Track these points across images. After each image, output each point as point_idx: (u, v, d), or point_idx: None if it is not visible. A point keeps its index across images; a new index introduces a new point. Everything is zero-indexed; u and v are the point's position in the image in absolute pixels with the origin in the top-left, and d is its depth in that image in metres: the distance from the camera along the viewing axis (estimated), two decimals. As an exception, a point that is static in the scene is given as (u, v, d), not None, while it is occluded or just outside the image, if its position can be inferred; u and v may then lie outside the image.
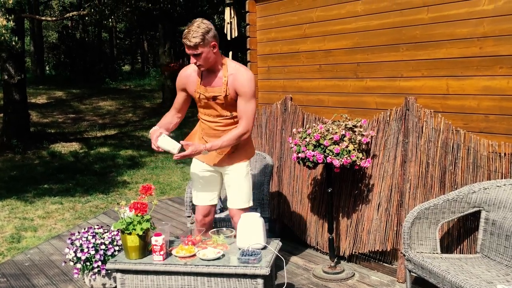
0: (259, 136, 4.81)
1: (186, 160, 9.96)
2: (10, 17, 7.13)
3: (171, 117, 3.29)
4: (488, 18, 3.06)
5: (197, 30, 2.87)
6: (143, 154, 10.35)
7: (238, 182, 3.20)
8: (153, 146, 3.02)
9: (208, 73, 3.07)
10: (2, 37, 6.67)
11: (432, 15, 3.35)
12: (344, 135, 3.47)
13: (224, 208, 4.02)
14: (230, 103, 3.08)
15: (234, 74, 3.02)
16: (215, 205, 3.37)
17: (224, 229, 3.12)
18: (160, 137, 2.99)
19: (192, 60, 2.96)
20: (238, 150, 3.19)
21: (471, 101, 3.21)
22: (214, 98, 3.06)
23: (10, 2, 6.78)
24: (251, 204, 3.27)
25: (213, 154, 3.18)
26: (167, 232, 2.91)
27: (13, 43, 6.96)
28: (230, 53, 4.58)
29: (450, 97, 3.32)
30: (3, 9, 6.98)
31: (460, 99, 3.26)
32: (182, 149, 3.00)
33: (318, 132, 3.49)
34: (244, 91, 3.02)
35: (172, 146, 2.97)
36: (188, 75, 3.15)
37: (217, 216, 3.88)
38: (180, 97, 3.25)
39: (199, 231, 3.07)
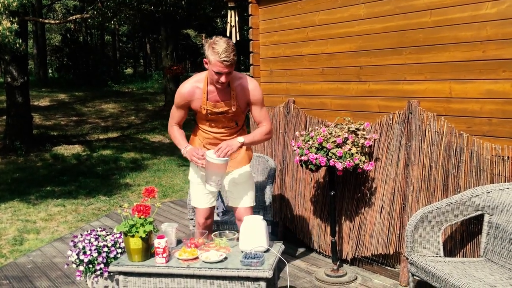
0: (261, 139, 4.81)
1: (188, 163, 10.00)
2: (14, 20, 7.15)
3: (181, 131, 3.20)
4: (492, 21, 3.06)
5: (230, 46, 2.78)
6: (145, 157, 10.37)
7: (246, 181, 3.25)
8: (199, 164, 2.95)
9: (213, 87, 2.97)
10: (6, 40, 6.69)
11: (436, 18, 3.35)
12: (347, 138, 3.47)
13: (226, 211, 4.02)
14: (238, 114, 3.09)
15: (240, 85, 3.00)
16: (214, 207, 3.38)
17: (227, 231, 3.13)
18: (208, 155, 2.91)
19: (224, 79, 2.83)
20: (242, 154, 3.23)
21: (474, 105, 3.20)
22: (224, 112, 3.04)
23: (14, 4, 6.80)
24: (254, 203, 3.31)
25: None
26: (173, 231, 2.93)
27: (17, 45, 6.98)
28: None
29: (453, 101, 3.31)
30: (7, 12, 7.00)
31: (463, 102, 3.26)
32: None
33: (321, 135, 3.49)
34: (257, 99, 3.07)
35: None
36: (192, 92, 3.01)
37: (219, 218, 3.89)
38: (181, 114, 3.12)
39: (201, 234, 3.07)
